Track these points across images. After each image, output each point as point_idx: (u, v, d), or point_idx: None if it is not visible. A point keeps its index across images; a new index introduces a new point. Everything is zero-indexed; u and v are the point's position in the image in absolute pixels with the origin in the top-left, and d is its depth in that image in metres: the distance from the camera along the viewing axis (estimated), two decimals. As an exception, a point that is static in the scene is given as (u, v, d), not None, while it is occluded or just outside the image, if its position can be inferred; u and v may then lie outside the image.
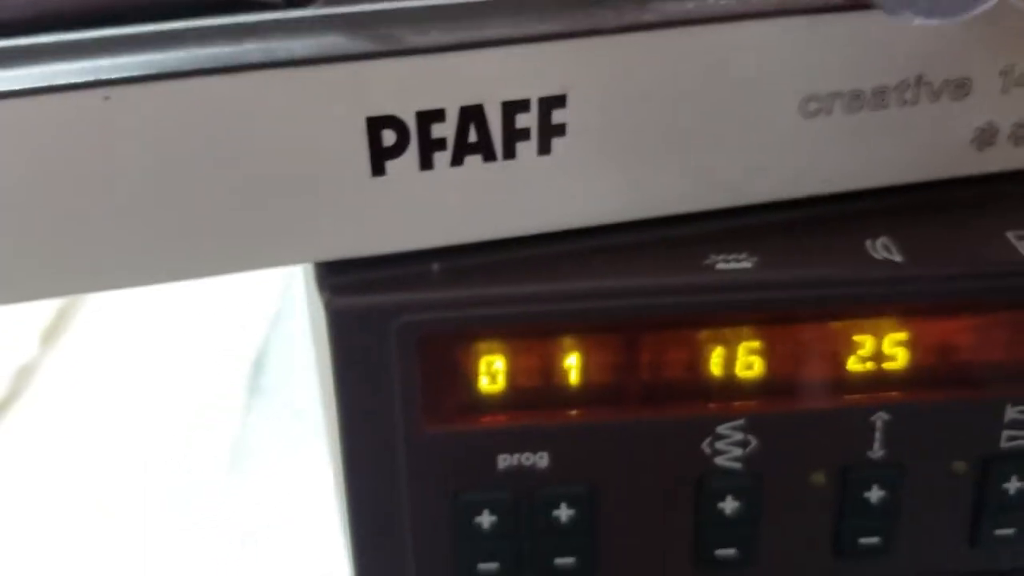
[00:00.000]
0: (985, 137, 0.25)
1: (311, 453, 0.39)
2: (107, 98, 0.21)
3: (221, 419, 0.42)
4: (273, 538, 0.36)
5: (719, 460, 0.26)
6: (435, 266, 0.24)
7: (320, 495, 0.37)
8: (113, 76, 0.21)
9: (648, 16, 0.22)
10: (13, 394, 0.44)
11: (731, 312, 0.25)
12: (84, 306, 0.48)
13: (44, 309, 0.47)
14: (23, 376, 0.45)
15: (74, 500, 0.38)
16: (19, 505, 0.38)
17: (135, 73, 0.21)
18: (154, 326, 0.46)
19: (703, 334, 0.25)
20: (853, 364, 0.25)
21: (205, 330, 0.46)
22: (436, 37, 0.22)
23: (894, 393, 0.26)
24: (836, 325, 0.25)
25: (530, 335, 0.25)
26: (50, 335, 0.46)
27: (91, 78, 0.21)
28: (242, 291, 0.46)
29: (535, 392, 0.25)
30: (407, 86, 0.22)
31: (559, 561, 0.26)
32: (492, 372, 0.25)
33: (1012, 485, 0.26)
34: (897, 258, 0.25)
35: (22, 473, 0.40)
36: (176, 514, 0.38)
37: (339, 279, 0.24)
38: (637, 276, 0.25)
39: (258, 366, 0.44)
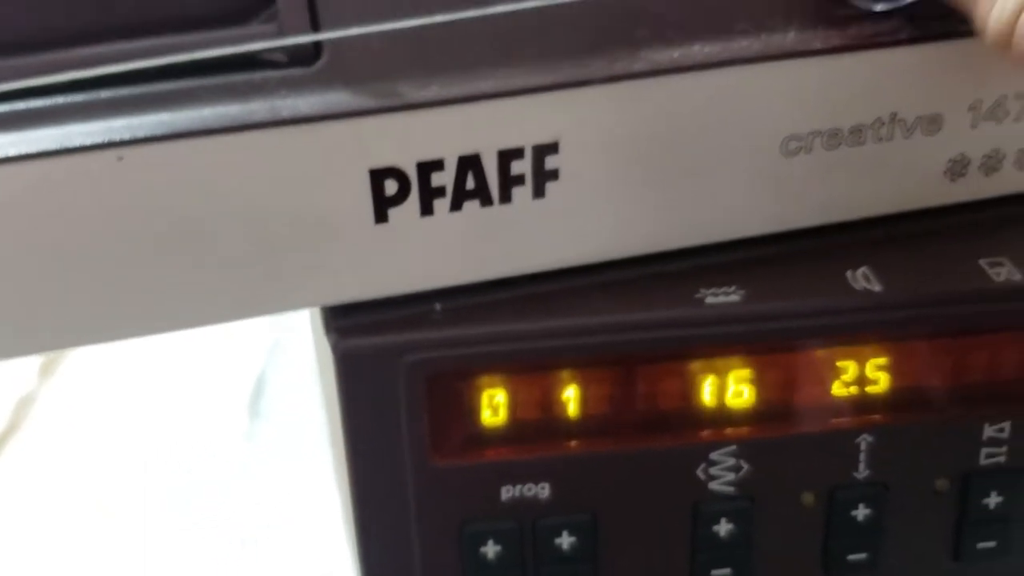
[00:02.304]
0: (957, 168, 0.27)
1: (310, 463, 0.39)
2: (120, 159, 0.22)
3: (222, 441, 0.42)
4: (273, 539, 0.37)
5: (713, 485, 0.27)
6: (437, 306, 0.25)
7: (319, 498, 0.38)
8: (126, 137, 0.22)
9: (638, 65, 0.23)
10: (14, 425, 0.44)
11: (721, 343, 0.26)
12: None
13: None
14: (23, 407, 0.45)
15: (76, 537, 0.39)
16: (24, 522, 0.39)
17: (148, 134, 0.22)
18: (151, 356, 0.46)
19: (695, 365, 0.26)
20: (838, 389, 0.27)
21: (204, 358, 0.46)
22: (435, 91, 0.23)
23: (877, 416, 0.27)
24: (821, 353, 0.26)
25: (530, 370, 0.26)
26: (48, 367, 0.47)
27: (104, 139, 0.22)
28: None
29: (536, 425, 0.26)
30: (408, 138, 0.23)
31: (563, 587, 0.27)
32: (494, 406, 0.26)
33: (991, 500, 0.27)
34: (876, 287, 0.26)
35: (25, 499, 0.40)
36: (176, 515, 0.38)
37: (346, 321, 0.25)
38: (631, 311, 0.25)
39: (257, 391, 0.45)
